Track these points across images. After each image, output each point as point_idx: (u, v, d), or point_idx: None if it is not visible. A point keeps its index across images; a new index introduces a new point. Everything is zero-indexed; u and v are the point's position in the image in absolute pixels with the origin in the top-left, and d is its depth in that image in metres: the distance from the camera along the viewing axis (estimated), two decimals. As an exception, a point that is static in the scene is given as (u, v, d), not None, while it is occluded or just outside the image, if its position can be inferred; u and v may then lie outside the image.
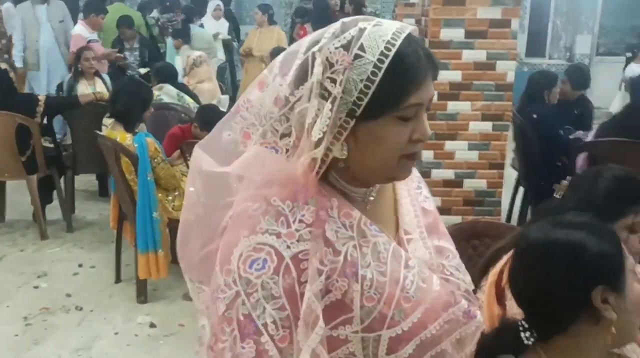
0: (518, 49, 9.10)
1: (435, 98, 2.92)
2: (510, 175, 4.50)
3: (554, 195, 1.74)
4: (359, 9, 7.61)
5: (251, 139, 1.01)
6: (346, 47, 0.91)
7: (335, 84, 0.91)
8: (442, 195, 3.16)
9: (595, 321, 1.08)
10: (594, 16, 9.33)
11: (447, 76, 3.05)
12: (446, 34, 3.00)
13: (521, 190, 4.44)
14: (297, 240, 0.94)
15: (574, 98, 4.80)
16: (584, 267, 1.08)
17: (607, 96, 7.51)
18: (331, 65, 0.91)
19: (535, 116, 4.26)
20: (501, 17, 2.96)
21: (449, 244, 1.12)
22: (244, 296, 0.93)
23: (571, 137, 4.34)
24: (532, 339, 1.12)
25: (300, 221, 0.95)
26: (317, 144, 0.92)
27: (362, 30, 0.92)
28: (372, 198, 1.03)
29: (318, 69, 0.91)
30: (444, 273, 1.07)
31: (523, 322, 1.14)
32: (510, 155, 4.79)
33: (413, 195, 1.13)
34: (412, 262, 1.01)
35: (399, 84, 0.90)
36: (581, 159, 3.66)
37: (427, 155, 3.14)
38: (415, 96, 0.92)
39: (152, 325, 3.20)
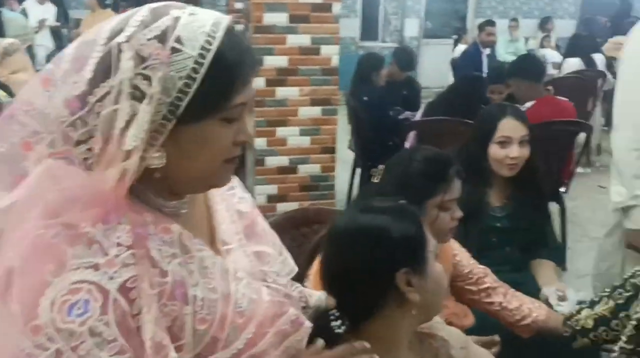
0: (353, 33, 9.48)
1: (263, 84, 2.90)
2: (350, 157, 4.62)
3: (372, 179, 1.74)
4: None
5: (33, 151, 0.83)
6: (161, 39, 0.79)
7: (150, 82, 0.78)
8: (278, 183, 3.13)
9: (399, 304, 1.09)
10: (420, 1, 9.88)
11: (273, 62, 3.00)
12: (269, 18, 2.95)
13: (359, 171, 4.58)
14: (120, 268, 0.80)
15: (402, 79, 5.03)
16: (386, 251, 1.08)
17: (435, 76, 8.02)
18: (143, 59, 0.78)
19: (365, 98, 4.40)
20: (323, 1, 2.97)
21: (268, 247, 1.06)
22: (70, 352, 0.75)
23: (400, 117, 4.55)
24: (343, 327, 1.10)
25: (119, 244, 0.80)
26: (130, 152, 0.79)
27: (176, 20, 0.81)
28: (184, 210, 0.92)
29: (127, 64, 0.78)
30: (266, 281, 1.00)
31: (334, 311, 1.11)
32: (347, 137, 4.92)
33: (227, 199, 1.04)
34: (240, 273, 0.93)
35: (224, 82, 0.82)
36: (411, 138, 3.83)
37: (260, 142, 3.08)
38: (241, 95, 0.85)
39: None
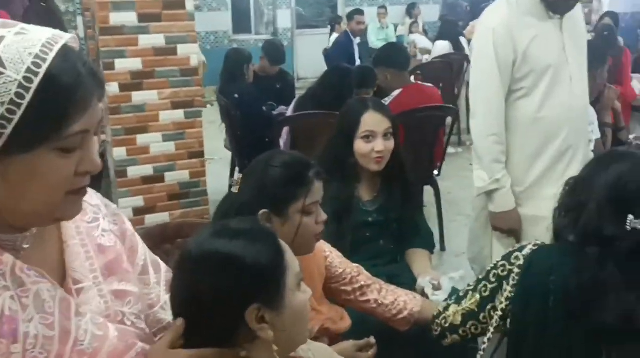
0: (225, 27, 9.26)
1: (117, 90, 2.67)
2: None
3: (231, 189, 1.64)
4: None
5: None
6: None
7: None
8: (144, 194, 2.93)
9: (251, 339, 0.98)
10: (290, -9, 9.84)
11: (126, 65, 2.78)
12: (117, 18, 2.72)
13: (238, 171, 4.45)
14: None
15: (274, 73, 4.95)
16: (235, 283, 0.97)
17: (312, 67, 8.01)
18: None
19: (236, 95, 4.27)
20: (173, -2, 2.79)
21: (131, 285, 0.99)
22: None
23: (275, 112, 4.45)
24: None
25: None
26: None
27: (0, 40, 0.75)
28: (27, 245, 0.86)
29: None
30: (124, 323, 0.95)
31: None
32: (223, 137, 4.76)
33: (85, 232, 0.96)
34: (83, 308, 0.88)
35: (55, 108, 0.76)
36: (284, 135, 3.75)
37: (119, 152, 2.86)
38: (79, 123, 0.78)
39: None
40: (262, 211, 1.51)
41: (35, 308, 0.82)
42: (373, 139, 2.13)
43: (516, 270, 1.37)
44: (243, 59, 4.43)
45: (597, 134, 3.05)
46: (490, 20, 2.17)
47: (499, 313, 1.40)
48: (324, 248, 1.79)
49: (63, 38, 0.79)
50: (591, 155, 2.33)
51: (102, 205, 1.02)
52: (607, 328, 1.24)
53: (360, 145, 2.15)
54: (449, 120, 4.30)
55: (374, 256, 2.24)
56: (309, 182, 1.57)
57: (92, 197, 1.00)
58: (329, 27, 8.42)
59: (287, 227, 1.54)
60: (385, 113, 2.20)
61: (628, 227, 1.25)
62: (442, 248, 3.95)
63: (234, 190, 1.63)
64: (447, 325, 1.53)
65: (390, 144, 2.16)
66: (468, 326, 1.50)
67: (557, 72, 2.14)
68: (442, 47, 6.73)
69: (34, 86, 0.73)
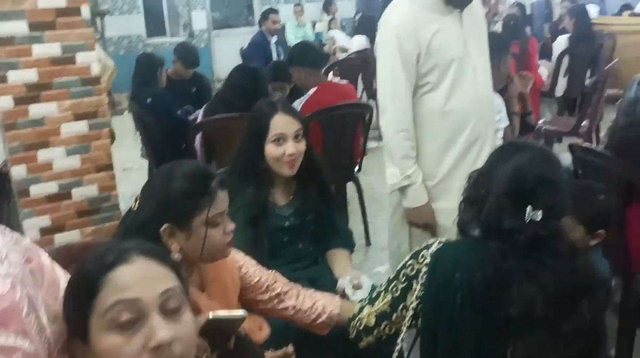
0: (138, 30, 8.97)
1: (11, 104, 2.50)
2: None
3: (132, 206, 1.56)
4: None
5: None
6: None
7: None
8: (50, 212, 2.76)
9: None
10: (204, -8, 9.65)
11: (20, 76, 2.61)
12: (6, 28, 2.55)
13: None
14: None
15: (189, 76, 4.82)
16: None
17: (230, 68, 7.86)
18: None
19: (149, 100, 4.12)
20: (67, 5, 2.63)
21: (24, 341, 0.88)
22: None
23: (191, 117, 4.33)
24: None
25: None
26: None
27: None
28: None
29: None
30: None
31: None
32: (138, 146, 4.59)
33: None
34: None
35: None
36: (197, 140, 3.64)
37: (19, 171, 2.67)
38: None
39: None
40: (164, 226, 1.45)
41: None
42: (284, 142, 2.09)
43: (424, 268, 1.37)
44: (155, 63, 4.29)
45: (506, 122, 3.13)
46: (392, 16, 2.18)
47: (411, 312, 1.40)
48: (237, 258, 1.73)
49: None
50: (499, 144, 2.38)
51: (2, 247, 0.93)
52: (512, 321, 1.26)
53: (271, 149, 2.09)
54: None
55: (293, 260, 2.20)
56: (212, 192, 1.51)
57: None
58: (258, 25, 8.18)
59: (192, 240, 1.48)
60: (294, 114, 2.15)
61: (526, 219, 1.26)
62: (368, 243, 3.97)
63: (134, 207, 1.55)
64: (361, 327, 1.52)
65: (302, 145, 2.12)
66: (382, 327, 1.48)
67: (461, 64, 2.16)
68: (359, 42, 6.79)
69: None
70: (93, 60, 2.76)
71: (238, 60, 7.61)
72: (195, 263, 1.56)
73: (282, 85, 3.71)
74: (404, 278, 1.42)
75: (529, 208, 1.27)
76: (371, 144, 4.84)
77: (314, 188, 2.21)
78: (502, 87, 3.26)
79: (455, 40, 2.17)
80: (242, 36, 8.81)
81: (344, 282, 2.04)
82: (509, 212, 1.30)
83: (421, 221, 2.26)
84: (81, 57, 2.72)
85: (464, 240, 1.39)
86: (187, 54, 4.74)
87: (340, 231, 2.32)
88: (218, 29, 9.79)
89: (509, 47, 3.33)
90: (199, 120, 3.69)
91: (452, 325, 1.33)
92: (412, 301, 1.39)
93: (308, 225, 2.23)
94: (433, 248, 1.38)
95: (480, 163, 2.21)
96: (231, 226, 1.59)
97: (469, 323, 1.32)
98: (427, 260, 1.37)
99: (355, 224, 3.57)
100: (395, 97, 2.18)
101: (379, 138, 6.09)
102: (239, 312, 1.31)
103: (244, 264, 1.73)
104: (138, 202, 1.54)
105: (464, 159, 2.23)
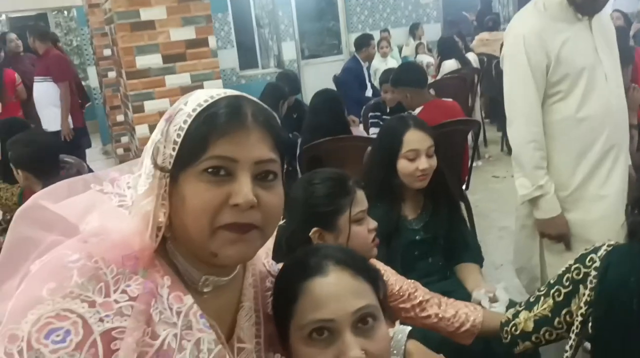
0: (232, 64, 9.38)
1: (147, 131, 2.69)
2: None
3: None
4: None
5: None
6: (177, 105, 0.89)
7: (158, 135, 0.87)
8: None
9: None
10: (292, 24, 9.96)
11: (155, 106, 2.81)
12: (142, 61, 2.76)
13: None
14: (114, 314, 0.80)
15: (291, 104, 4.99)
16: None
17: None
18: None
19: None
20: (196, 36, 2.82)
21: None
22: None
23: (299, 141, 4.48)
24: None
25: (123, 292, 0.82)
26: (141, 199, 0.85)
27: (196, 91, 0.90)
28: (207, 289, 0.91)
29: (160, 124, 0.88)
30: None
31: None
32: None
33: (261, 300, 1.01)
34: None
35: (203, 130, 0.84)
36: (304, 162, 3.77)
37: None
38: (220, 146, 0.83)
39: None
40: (314, 229, 1.54)
41: (190, 353, 0.85)
42: (417, 158, 2.11)
43: (593, 272, 1.34)
44: (279, 94, 4.48)
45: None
46: (520, 28, 2.18)
47: (579, 318, 1.37)
48: (378, 266, 1.77)
49: (244, 94, 0.90)
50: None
51: None
52: None
53: (403, 165, 2.13)
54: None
55: (424, 274, 2.20)
56: (351, 191, 1.61)
57: (275, 267, 1.06)
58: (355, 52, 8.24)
59: (341, 240, 1.56)
60: (426, 130, 2.18)
61: None
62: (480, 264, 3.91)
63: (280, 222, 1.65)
64: (517, 332, 1.50)
65: (434, 161, 2.15)
66: (541, 332, 1.46)
67: (592, 72, 2.13)
68: (450, 65, 6.77)
69: (195, 114, 0.85)
70: (219, 87, 2.93)
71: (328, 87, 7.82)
72: None
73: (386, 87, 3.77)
74: (569, 282, 1.40)
75: None
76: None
77: (443, 202, 2.23)
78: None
79: (586, 48, 2.14)
80: (329, 64, 8.99)
81: (479, 295, 2.01)
82: None
83: (555, 232, 2.22)
84: (208, 86, 2.90)
85: (636, 243, 1.36)
86: (289, 82, 4.92)
87: (470, 245, 2.31)
88: (307, 58, 10.05)
89: (633, 57, 3.23)
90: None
91: (628, 332, 1.29)
92: (581, 307, 1.36)
93: (438, 239, 2.24)
94: (602, 252, 1.35)
95: (617, 173, 2.17)
96: (374, 224, 1.67)
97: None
98: (597, 264, 1.34)
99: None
100: (525, 107, 2.17)
101: (477, 157, 6.10)
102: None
103: (385, 273, 1.76)
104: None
105: (599, 168, 2.18)
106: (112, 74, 4.93)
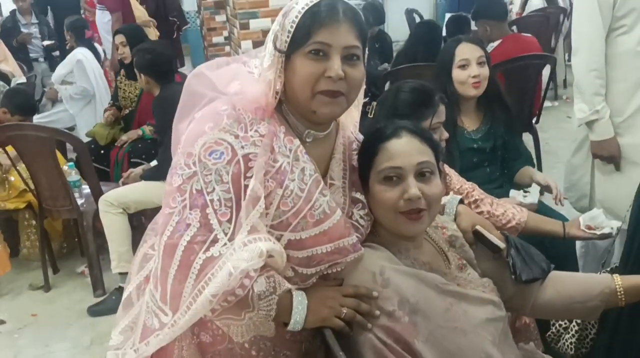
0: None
1: (250, 46, 3.04)
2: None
3: (368, 115, 1.99)
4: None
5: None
6: (291, 4, 1.23)
7: (277, 26, 1.23)
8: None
9: None
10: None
11: (258, 24, 3.16)
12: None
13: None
14: (250, 144, 1.19)
15: (374, 33, 5.20)
16: None
17: (403, 29, 8.15)
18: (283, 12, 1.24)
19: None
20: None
21: (363, 197, 1.37)
22: (200, 176, 1.17)
23: (379, 69, 4.75)
24: None
25: (256, 131, 1.21)
26: (267, 71, 1.21)
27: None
28: (309, 139, 1.29)
29: (277, 19, 1.24)
30: (350, 218, 1.34)
31: None
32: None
33: (348, 153, 1.39)
34: (326, 191, 1.26)
35: (308, 23, 1.18)
36: (386, 88, 4.04)
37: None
38: (320, 35, 1.19)
39: (2, 322, 3.04)
40: None
41: (298, 176, 1.23)
42: (468, 66, 2.41)
43: None
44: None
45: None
46: None
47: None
48: (443, 167, 2.09)
49: None
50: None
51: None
52: None
53: (457, 73, 2.43)
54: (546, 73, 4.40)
55: (483, 182, 2.47)
56: (435, 104, 1.91)
57: (358, 135, 1.45)
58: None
59: None
60: (477, 43, 2.48)
61: None
62: (541, 193, 4.12)
63: (370, 116, 1.97)
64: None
65: (485, 70, 2.43)
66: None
67: None
68: (536, 3, 6.70)
69: (304, 10, 1.20)
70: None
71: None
72: None
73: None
74: None
75: None
76: (546, 104, 4.91)
77: (499, 114, 2.51)
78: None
79: None
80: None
81: (514, 193, 2.34)
82: None
83: (607, 153, 2.46)
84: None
85: None
86: (374, 12, 5.13)
87: (523, 154, 2.61)
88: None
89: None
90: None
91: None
92: None
93: (496, 150, 2.53)
94: None
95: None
96: (446, 134, 1.97)
97: None
98: None
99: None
100: (590, 38, 2.38)
101: (555, 98, 6.15)
102: (499, 243, 1.48)
103: (449, 173, 2.07)
104: (374, 111, 1.96)
105: None
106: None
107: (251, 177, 1.17)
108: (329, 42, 1.19)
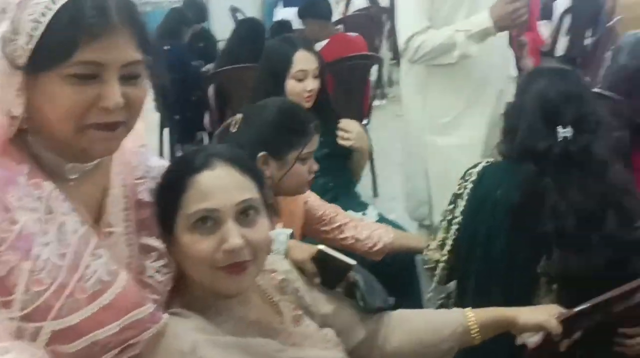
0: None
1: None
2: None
3: (230, 128, 1.67)
4: None
5: None
6: None
7: (5, 21, 0.83)
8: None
9: None
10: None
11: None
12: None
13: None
14: None
15: (197, 31, 4.86)
16: None
17: (225, 26, 7.83)
18: (5, 5, 0.83)
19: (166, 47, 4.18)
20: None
21: (158, 242, 1.04)
22: None
23: (202, 70, 4.41)
24: None
25: None
26: None
27: None
28: (73, 176, 0.93)
29: (6, 8, 0.83)
30: (143, 275, 1.00)
31: None
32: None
33: (130, 187, 1.03)
34: (101, 251, 0.92)
35: (68, 32, 0.82)
36: (211, 91, 3.73)
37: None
38: (87, 50, 0.83)
39: None
40: (261, 153, 1.55)
41: (54, 236, 0.87)
42: (305, 79, 2.15)
43: (469, 185, 1.47)
44: (184, 19, 4.39)
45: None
46: None
47: (456, 226, 1.50)
48: (307, 193, 1.83)
49: None
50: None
51: (159, 169, 1.07)
52: (545, 236, 1.36)
53: (292, 85, 2.14)
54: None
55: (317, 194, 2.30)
56: (310, 133, 1.63)
57: (153, 160, 1.10)
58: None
59: (282, 171, 1.59)
60: (314, 52, 2.22)
61: (559, 137, 1.37)
62: (375, 195, 4.10)
63: (232, 129, 1.66)
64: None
65: (317, 83, 2.18)
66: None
67: None
68: (359, 2, 6.77)
69: (57, 7, 0.81)
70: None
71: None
72: (275, 194, 1.64)
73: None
74: (453, 198, 1.53)
75: (559, 128, 1.37)
76: (375, 103, 4.92)
77: (330, 123, 2.26)
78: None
79: None
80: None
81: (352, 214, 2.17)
82: (541, 134, 1.40)
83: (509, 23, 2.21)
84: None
85: (504, 161, 1.49)
86: (196, 9, 4.79)
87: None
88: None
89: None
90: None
91: (489, 239, 1.44)
92: (457, 216, 1.50)
93: (329, 159, 2.28)
94: (479, 167, 1.49)
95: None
96: (316, 166, 1.71)
97: (505, 238, 1.42)
98: (474, 178, 1.48)
99: (363, 176, 3.68)
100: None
101: (382, 96, 6.24)
102: (349, 260, 1.29)
103: (309, 199, 1.84)
104: (238, 125, 1.64)
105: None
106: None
107: None
108: (102, 60, 0.85)
